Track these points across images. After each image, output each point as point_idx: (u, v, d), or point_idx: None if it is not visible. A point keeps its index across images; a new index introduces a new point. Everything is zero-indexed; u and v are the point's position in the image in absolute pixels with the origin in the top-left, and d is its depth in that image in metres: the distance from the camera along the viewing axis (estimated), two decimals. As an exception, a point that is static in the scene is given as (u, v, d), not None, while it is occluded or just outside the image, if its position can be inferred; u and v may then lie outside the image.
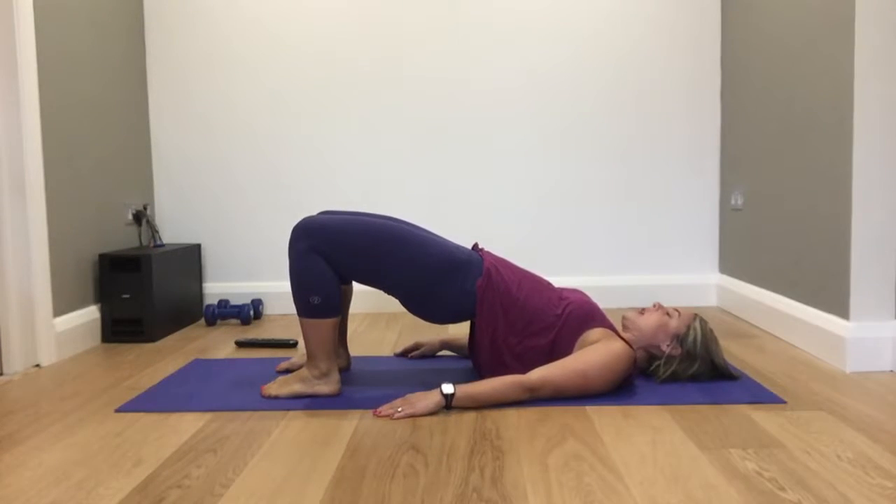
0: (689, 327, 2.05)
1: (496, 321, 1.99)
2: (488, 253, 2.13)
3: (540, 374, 1.90)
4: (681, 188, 3.27)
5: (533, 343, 1.99)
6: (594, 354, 1.91)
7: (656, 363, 2.07)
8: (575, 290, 2.14)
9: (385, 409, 1.84)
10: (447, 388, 1.85)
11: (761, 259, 2.83)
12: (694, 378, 2.06)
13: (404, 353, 2.44)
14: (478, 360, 2.05)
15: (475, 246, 2.16)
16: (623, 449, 1.60)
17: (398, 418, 1.81)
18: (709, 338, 2.06)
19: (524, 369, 1.97)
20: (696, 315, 2.09)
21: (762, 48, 2.80)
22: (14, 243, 2.36)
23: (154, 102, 3.26)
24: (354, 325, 3.01)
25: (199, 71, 3.25)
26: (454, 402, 1.85)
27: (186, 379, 2.20)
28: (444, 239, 2.08)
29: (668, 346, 2.05)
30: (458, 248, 2.05)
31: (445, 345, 2.44)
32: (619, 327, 2.13)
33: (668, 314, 2.08)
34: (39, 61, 2.45)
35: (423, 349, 2.42)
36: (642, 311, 2.12)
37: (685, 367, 2.04)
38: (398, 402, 1.87)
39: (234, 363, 2.39)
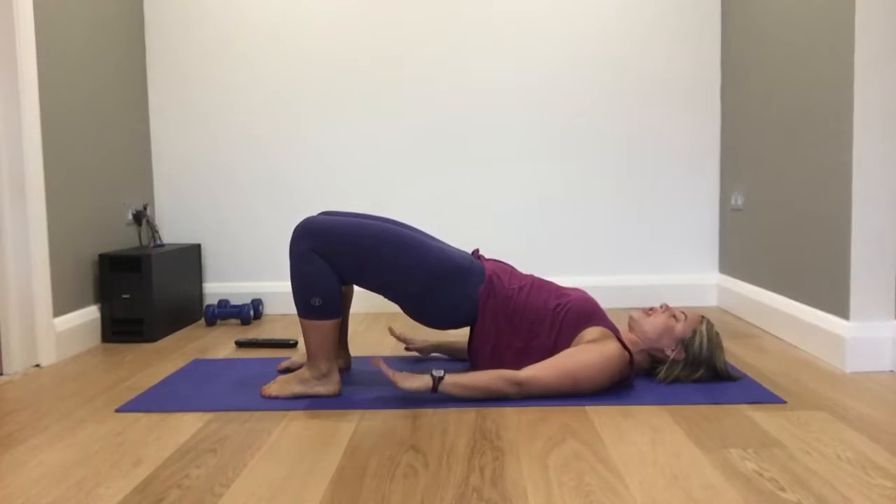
0: (695, 332, 2.03)
1: (498, 327, 1.99)
2: (489, 259, 2.13)
3: (530, 371, 1.90)
4: (681, 188, 3.27)
5: (538, 343, 2.00)
6: (586, 355, 1.91)
7: (659, 367, 2.07)
8: (576, 289, 2.13)
9: (384, 369, 1.86)
10: (437, 372, 1.86)
11: (761, 259, 2.83)
12: (696, 381, 2.05)
13: (402, 340, 2.39)
14: (477, 364, 2.05)
15: (475, 252, 2.16)
16: (623, 449, 1.60)
17: (386, 375, 1.87)
18: (714, 343, 2.04)
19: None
20: (703, 318, 2.07)
21: (762, 48, 2.80)
22: (14, 243, 2.36)
23: (154, 102, 3.26)
24: (354, 325, 3.01)
25: (199, 71, 3.25)
26: (441, 387, 1.86)
27: (186, 379, 2.19)
28: (445, 244, 2.08)
29: (672, 350, 2.04)
30: (460, 253, 2.05)
31: (436, 348, 2.40)
32: (624, 327, 2.12)
33: (674, 317, 2.06)
34: (39, 61, 2.45)
35: (415, 346, 2.38)
36: (649, 311, 2.10)
37: (688, 373, 2.04)
38: (394, 375, 1.87)
39: (234, 363, 2.39)
